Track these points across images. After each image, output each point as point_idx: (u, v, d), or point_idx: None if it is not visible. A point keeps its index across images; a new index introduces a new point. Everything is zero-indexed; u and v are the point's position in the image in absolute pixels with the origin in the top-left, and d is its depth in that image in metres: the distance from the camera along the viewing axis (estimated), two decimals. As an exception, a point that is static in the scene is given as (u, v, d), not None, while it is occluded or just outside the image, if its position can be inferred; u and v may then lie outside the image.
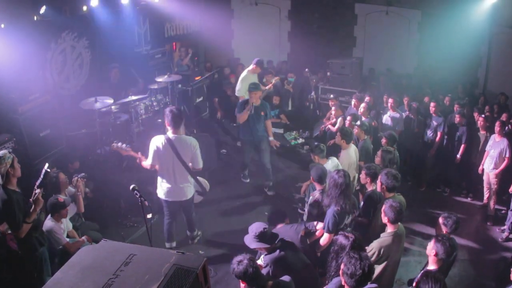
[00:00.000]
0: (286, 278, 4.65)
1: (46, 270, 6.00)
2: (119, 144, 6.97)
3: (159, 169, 6.82)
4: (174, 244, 7.50)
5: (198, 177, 7.25)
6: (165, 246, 7.34)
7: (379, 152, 7.58)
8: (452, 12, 12.09)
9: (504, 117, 9.12)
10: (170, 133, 6.66)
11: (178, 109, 6.79)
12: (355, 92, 11.82)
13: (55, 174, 6.79)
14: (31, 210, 5.46)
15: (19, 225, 5.40)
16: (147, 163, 6.76)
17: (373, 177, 6.45)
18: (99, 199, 8.12)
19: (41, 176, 5.56)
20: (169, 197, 6.97)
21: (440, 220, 5.50)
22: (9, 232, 5.97)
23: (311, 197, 6.54)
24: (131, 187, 5.49)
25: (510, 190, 8.33)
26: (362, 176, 6.67)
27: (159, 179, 6.95)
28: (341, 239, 4.89)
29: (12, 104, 7.89)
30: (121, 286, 3.38)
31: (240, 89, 10.79)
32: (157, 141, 6.65)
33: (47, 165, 5.69)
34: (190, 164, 6.82)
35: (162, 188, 6.95)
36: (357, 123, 8.75)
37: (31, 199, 5.49)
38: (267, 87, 11.45)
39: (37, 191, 5.50)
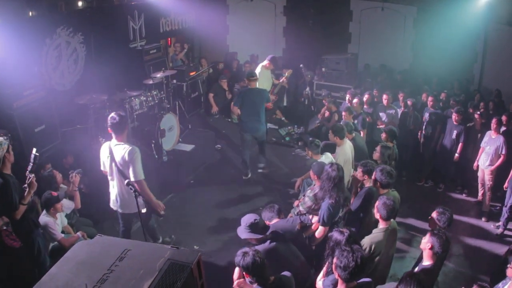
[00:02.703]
0: (287, 273, 4.65)
1: (44, 252, 6.10)
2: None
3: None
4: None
5: (149, 198, 6.32)
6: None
7: (378, 148, 7.58)
8: (448, 9, 12.12)
9: (504, 119, 9.07)
10: (113, 140, 6.22)
11: (119, 114, 6.16)
12: (350, 88, 11.85)
13: (50, 172, 6.82)
14: (25, 194, 5.62)
15: (16, 206, 5.56)
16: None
17: (370, 174, 6.44)
18: (94, 194, 8.11)
19: (31, 161, 5.75)
20: (113, 206, 6.60)
21: (434, 214, 5.50)
22: (5, 228, 5.99)
23: (309, 191, 6.54)
24: (126, 182, 5.50)
25: (504, 186, 8.38)
26: (359, 173, 6.67)
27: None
28: (336, 235, 4.88)
29: (7, 99, 7.87)
30: (115, 281, 3.40)
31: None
32: (103, 148, 6.37)
33: (34, 149, 5.86)
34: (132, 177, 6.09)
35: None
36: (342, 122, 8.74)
37: (25, 184, 5.64)
38: (280, 80, 11.48)
39: (31, 176, 5.68)
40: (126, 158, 6.02)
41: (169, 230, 7.83)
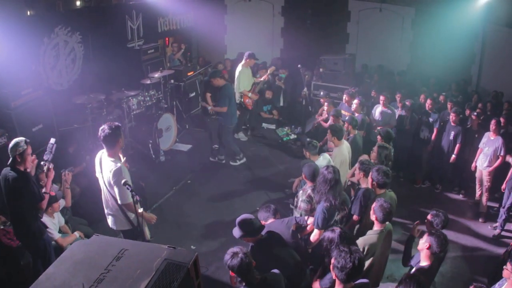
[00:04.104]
0: (275, 271, 4.66)
1: (51, 251, 6.03)
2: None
3: None
4: None
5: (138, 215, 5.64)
6: (158, 242, 7.30)
7: (375, 148, 7.54)
8: (446, 10, 12.14)
9: (502, 121, 9.06)
10: (105, 153, 5.67)
11: (111, 126, 5.50)
12: (347, 88, 11.85)
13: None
14: (44, 183, 5.67)
15: (42, 196, 5.54)
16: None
17: (366, 172, 6.43)
18: (92, 194, 8.10)
19: (49, 150, 5.82)
20: (108, 220, 6.06)
21: (429, 217, 5.51)
22: (2, 227, 5.99)
23: (301, 192, 6.53)
24: (123, 181, 5.46)
25: (502, 187, 8.39)
26: (356, 171, 6.66)
27: None
28: (328, 234, 4.88)
29: (4, 99, 7.88)
30: (112, 281, 3.39)
31: (237, 85, 10.97)
32: (97, 156, 5.77)
33: (53, 139, 5.91)
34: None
35: None
36: (345, 119, 8.74)
37: (44, 173, 5.73)
38: (262, 78, 11.49)
39: (49, 165, 5.74)
40: (111, 179, 5.52)
41: (166, 230, 7.82)
